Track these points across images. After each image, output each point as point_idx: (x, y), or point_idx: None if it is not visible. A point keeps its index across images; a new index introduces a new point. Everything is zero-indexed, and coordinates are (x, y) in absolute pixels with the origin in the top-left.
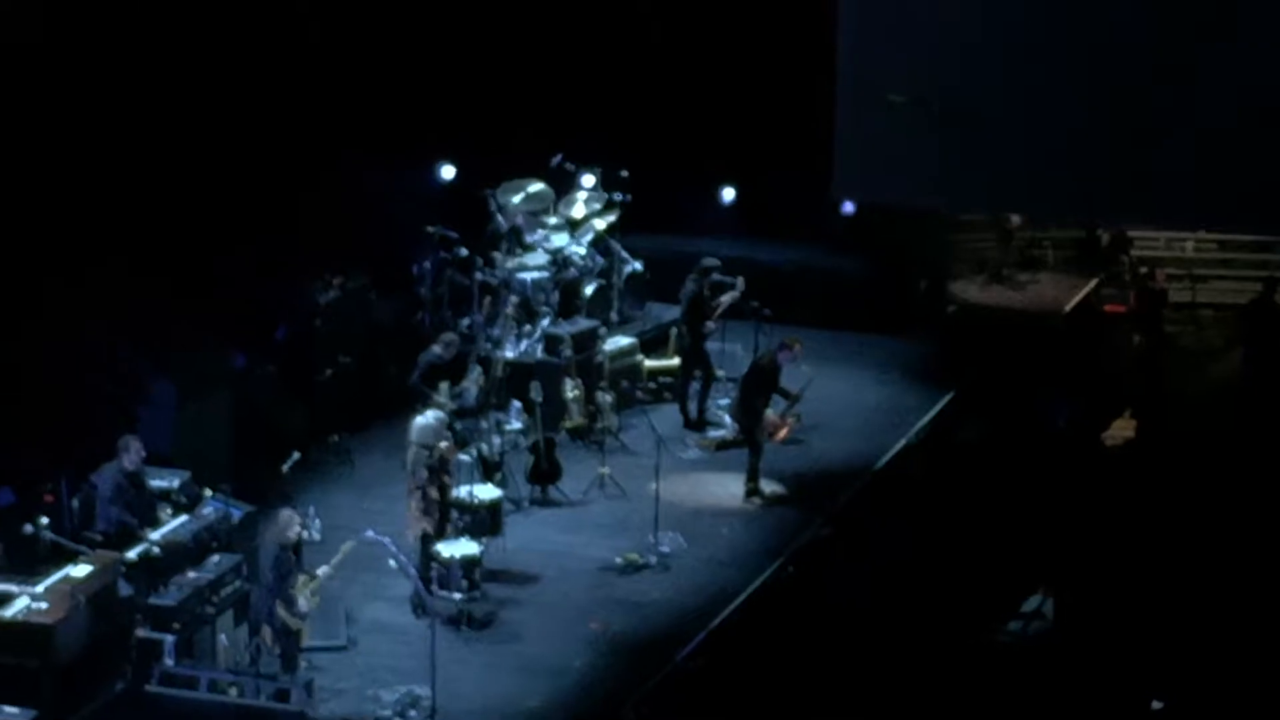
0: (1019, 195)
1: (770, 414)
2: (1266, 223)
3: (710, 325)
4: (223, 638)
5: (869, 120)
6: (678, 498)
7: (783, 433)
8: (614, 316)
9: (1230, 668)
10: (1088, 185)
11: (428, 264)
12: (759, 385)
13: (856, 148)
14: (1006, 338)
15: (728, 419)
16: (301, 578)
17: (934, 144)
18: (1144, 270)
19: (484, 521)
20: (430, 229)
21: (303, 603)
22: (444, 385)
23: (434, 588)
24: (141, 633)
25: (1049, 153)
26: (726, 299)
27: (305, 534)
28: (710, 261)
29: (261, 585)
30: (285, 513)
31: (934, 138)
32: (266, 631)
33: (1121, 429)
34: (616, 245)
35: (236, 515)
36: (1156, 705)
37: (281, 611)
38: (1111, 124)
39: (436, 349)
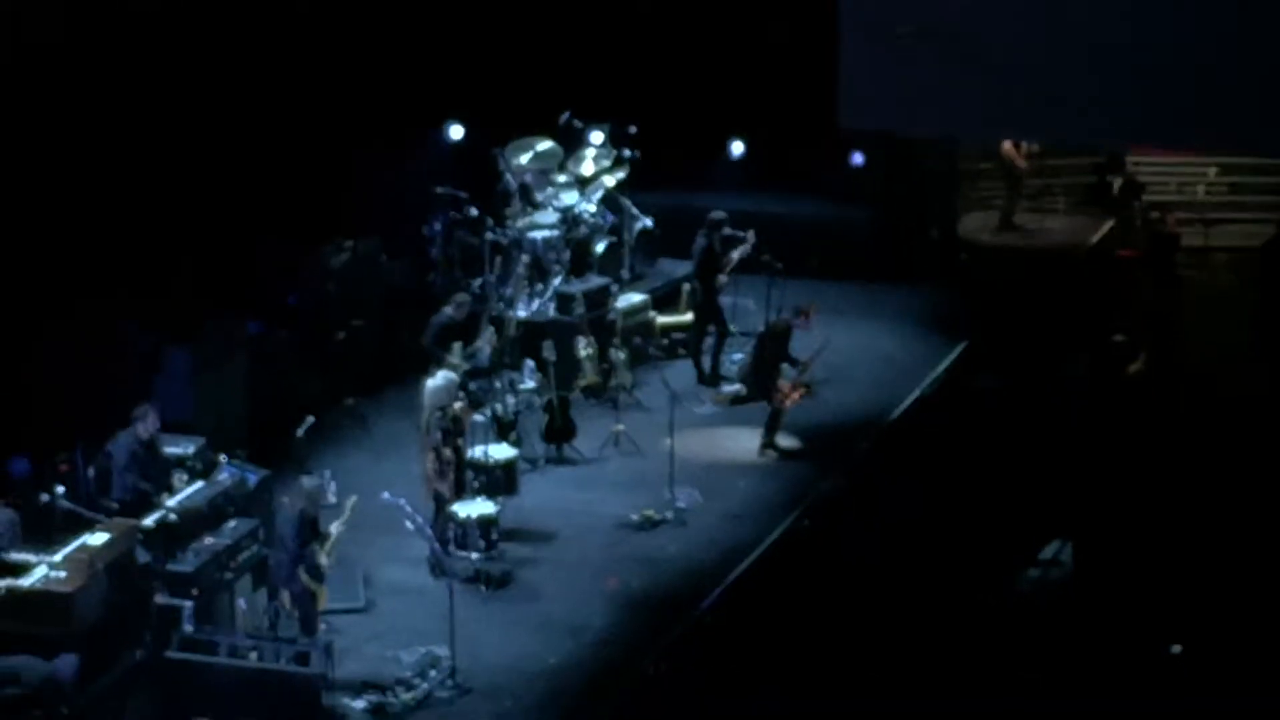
0: (1027, 119)
1: (782, 381)
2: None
3: (722, 279)
4: (241, 602)
5: (874, 47)
6: (693, 453)
7: (792, 399)
8: (625, 273)
9: (1248, 612)
10: (1095, 107)
11: (438, 225)
12: (772, 350)
13: (861, 75)
14: (1020, 283)
15: (740, 374)
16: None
17: (940, 70)
18: (1155, 215)
19: (499, 481)
20: (440, 190)
21: (324, 560)
22: (457, 346)
23: (451, 548)
24: (160, 599)
25: (1056, 74)
26: (738, 253)
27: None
28: (718, 215)
29: (281, 550)
30: (312, 481)
31: (940, 64)
32: (285, 595)
33: (1136, 373)
34: (627, 202)
35: (252, 480)
36: (1175, 649)
37: (304, 577)
38: (1118, 44)
39: (448, 310)
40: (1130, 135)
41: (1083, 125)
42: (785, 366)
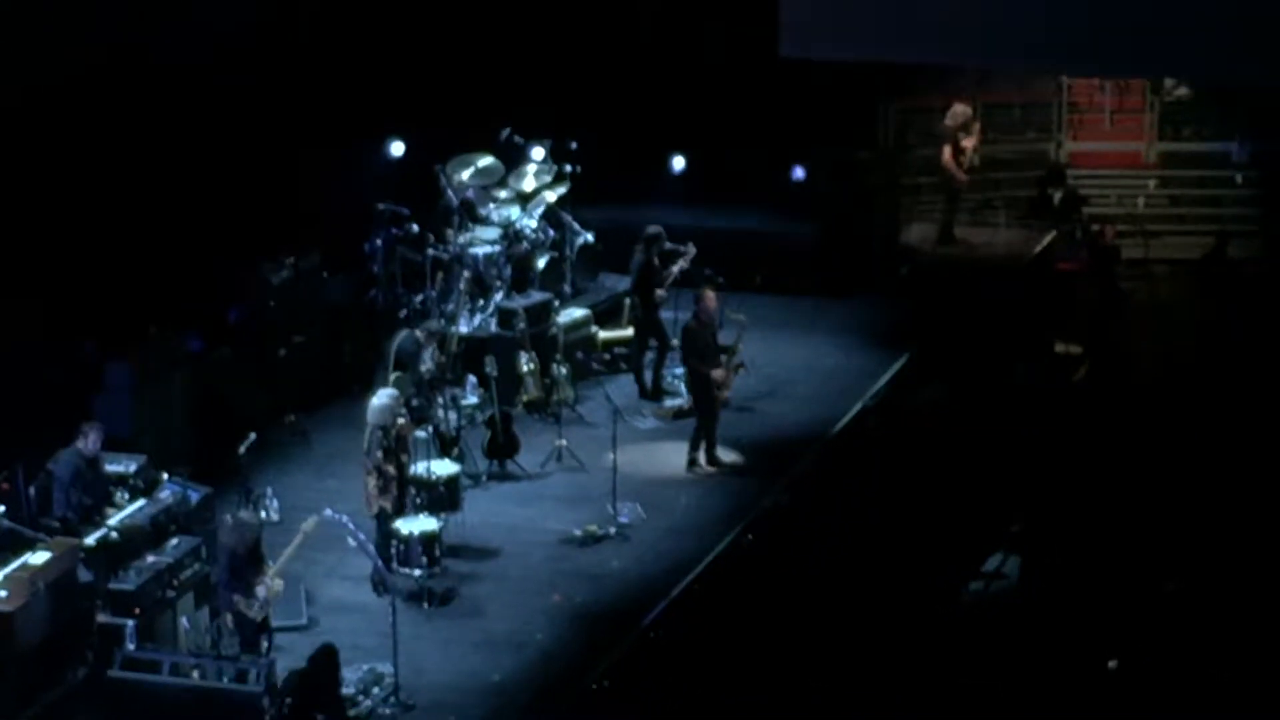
0: (967, 44)
1: (717, 372)
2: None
3: (662, 294)
4: (183, 621)
5: None
6: (636, 468)
7: (733, 375)
8: (567, 289)
9: (1189, 626)
10: (1037, 33)
11: (379, 241)
12: (694, 349)
13: (802, 5)
14: (962, 295)
15: (683, 388)
16: (261, 566)
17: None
18: (1096, 228)
19: (442, 497)
20: (380, 206)
21: (261, 592)
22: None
23: (394, 565)
24: (102, 618)
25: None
26: (678, 267)
27: (264, 515)
28: (654, 229)
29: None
30: (246, 520)
31: None
32: (227, 614)
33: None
34: (568, 217)
35: (194, 497)
36: (1112, 664)
37: (240, 605)
38: None
39: (418, 335)
40: (1057, 61)
41: (1015, 50)
42: (723, 359)
